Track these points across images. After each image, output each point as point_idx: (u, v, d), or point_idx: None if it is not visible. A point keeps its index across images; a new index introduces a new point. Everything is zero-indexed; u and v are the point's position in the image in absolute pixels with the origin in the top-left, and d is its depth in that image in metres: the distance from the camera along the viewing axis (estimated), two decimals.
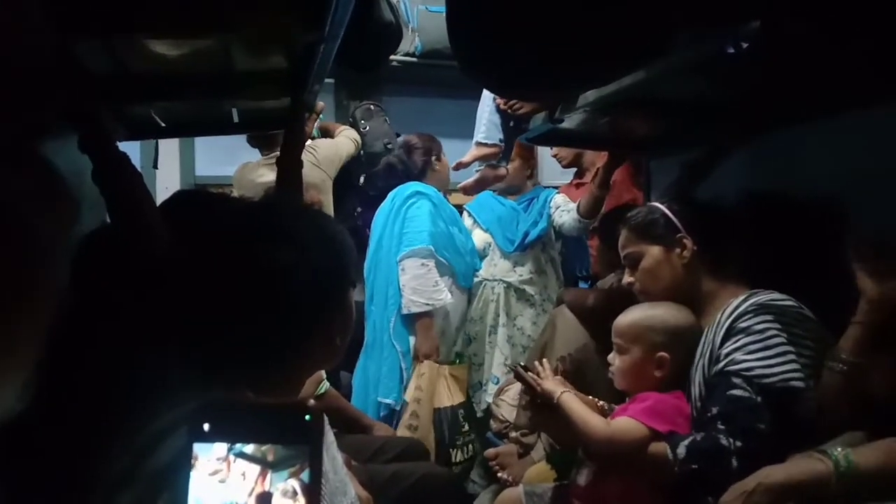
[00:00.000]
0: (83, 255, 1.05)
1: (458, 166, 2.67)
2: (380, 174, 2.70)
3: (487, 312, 2.56)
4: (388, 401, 2.36)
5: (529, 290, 2.55)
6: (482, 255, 2.63)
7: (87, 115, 1.06)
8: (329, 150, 2.75)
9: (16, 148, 0.25)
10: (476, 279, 2.60)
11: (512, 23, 0.88)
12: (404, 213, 2.46)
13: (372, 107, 3.02)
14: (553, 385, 1.33)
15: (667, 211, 1.43)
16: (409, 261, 2.39)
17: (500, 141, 2.57)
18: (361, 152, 2.89)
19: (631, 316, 1.37)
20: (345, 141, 2.84)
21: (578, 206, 2.36)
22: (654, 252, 1.41)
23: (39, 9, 0.27)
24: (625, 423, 1.26)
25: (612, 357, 1.39)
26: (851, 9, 0.80)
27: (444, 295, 2.40)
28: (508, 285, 2.55)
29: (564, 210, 2.46)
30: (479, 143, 2.62)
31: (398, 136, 2.99)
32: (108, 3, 0.99)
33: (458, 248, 2.52)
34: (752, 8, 0.81)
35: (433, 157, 2.63)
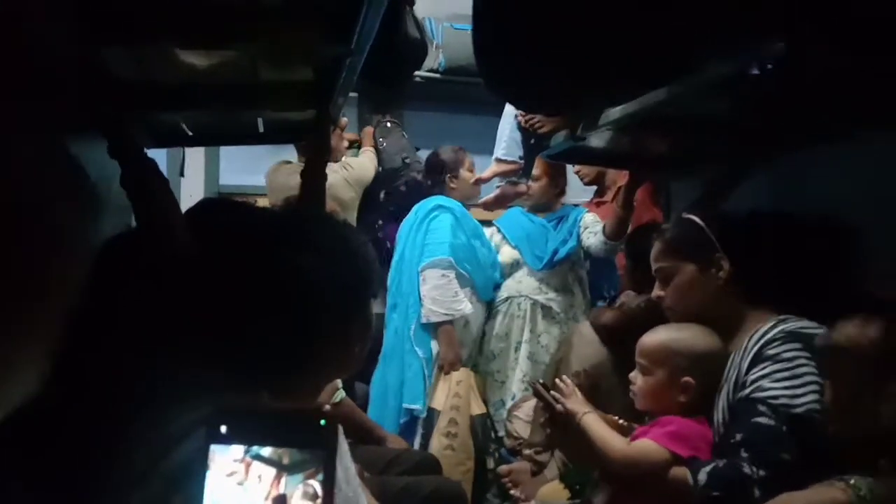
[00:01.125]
0: (108, 258, 1.07)
1: (478, 182, 2.69)
2: (403, 192, 2.77)
3: (513, 329, 2.57)
4: (414, 406, 2.40)
5: (556, 308, 2.55)
6: (509, 272, 2.64)
7: (117, 122, 1.08)
8: (361, 171, 2.82)
9: (39, 147, 0.26)
10: (502, 295, 2.61)
11: (538, 40, 0.89)
12: (427, 226, 2.52)
13: (389, 123, 3.06)
14: (575, 405, 1.31)
15: (704, 226, 1.37)
16: (429, 271, 2.45)
17: (520, 158, 2.58)
18: (380, 168, 2.95)
19: (657, 337, 1.34)
20: (369, 164, 2.90)
21: (604, 229, 2.36)
22: (688, 270, 1.36)
23: (66, 16, 0.28)
24: (646, 446, 1.23)
25: (635, 376, 1.36)
26: (874, 29, 0.79)
27: (463, 305, 2.45)
28: (535, 302, 2.55)
29: (592, 232, 2.46)
30: (498, 160, 2.64)
31: (417, 149, 3.03)
32: (139, 14, 1.02)
33: (479, 261, 2.55)
34: (776, 27, 0.81)
35: (457, 171, 2.66)
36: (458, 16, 3.28)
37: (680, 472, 1.19)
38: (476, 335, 2.60)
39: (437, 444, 2.31)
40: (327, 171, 2.62)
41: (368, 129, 3.05)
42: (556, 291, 2.57)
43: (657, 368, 1.31)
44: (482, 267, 2.57)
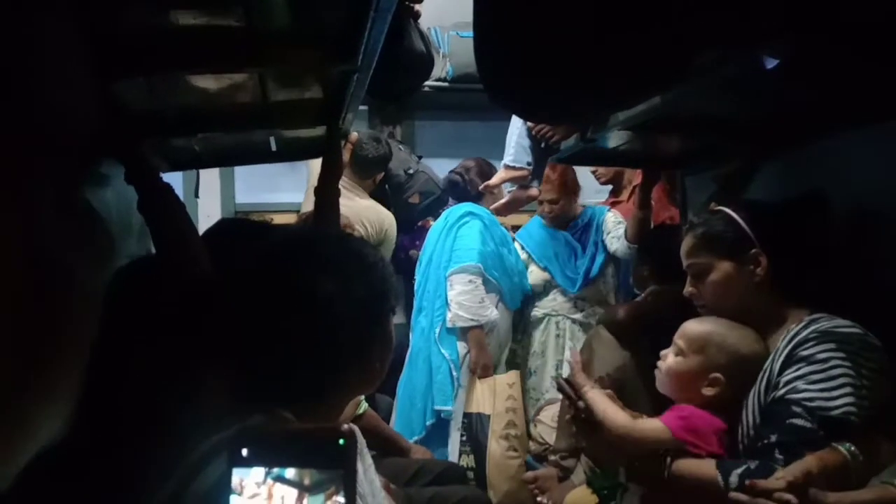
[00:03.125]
0: (128, 285, 1.09)
1: (486, 188, 2.69)
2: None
3: (549, 346, 2.57)
4: (445, 408, 2.43)
5: (594, 321, 2.50)
6: (541, 292, 2.63)
7: (133, 150, 1.10)
8: (379, 217, 2.79)
9: (62, 195, 0.27)
10: (537, 313, 2.62)
11: (539, 50, 0.89)
12: (456, 232, 2.55)
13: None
14: (583, 379, 1.32)
15: (740, 221, 1.32)
16: (457, 276, 2.48)
17: (528, 164, 2.57)
18: (387, 186, 2.96)
19: (704, 326, 1.30)
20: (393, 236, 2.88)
21: (626, 232, 2.34)
22: (724, 267, 1.31)
23: (85, 59, 0.28)
24: (649, 424, 1.24)
25: (665, 353, 1.33)
26: (875, 27, 0.79)
27: (489, 311, 2.47)
28: (574, 320, 2.57)
29: (615, 236, 2.45)
30: (507, 166, 2.64)
31: (420, 158, 3.04)
32: (152, 44, 1.04)
33: (506, 269, 2.57)
34: (779, 25, 0.80)
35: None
36: (464, 24, 3.30)
37: (710, 473, 1.17)
38: (503, 341, 2.61)
39: (496, 448, 2.32)
40: (357, 226, 2.60)
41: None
42: (592, 306, 2.56)
43: (693, 355, 1.28)
44: (509, 275, 2.57)
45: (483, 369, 2.43)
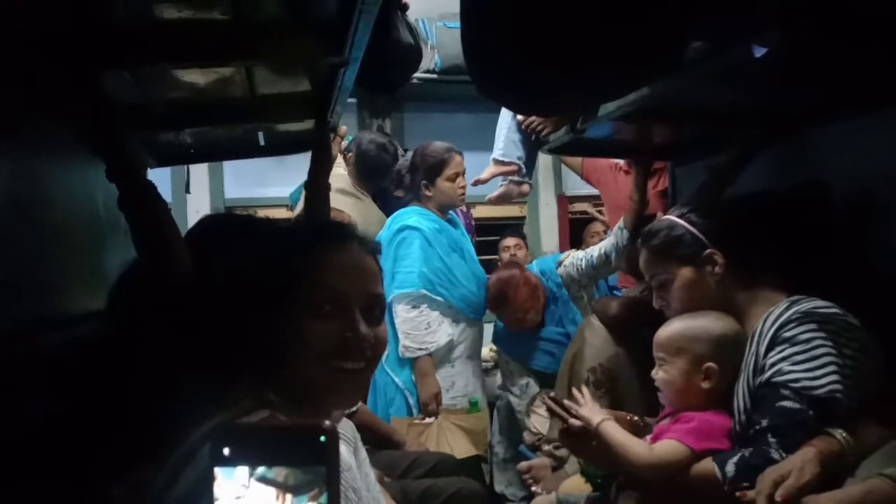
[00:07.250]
0: (119, 287, 1.08)
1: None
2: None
3: None
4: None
5: None
6: None
7: (114, 146, 1.08)
8: (382, 221, 2.72)
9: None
10: None
11: (527, 43, 0.89)
12: (395, 251, 2.31)
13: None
14: (591, 413, 1.29)
15: (689, 226, 1.34)
16: (400, 305, 2.27)
17: (518, 158, 2.53)
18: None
19: (671, 328, 1.31)
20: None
21: (625, 223, 2.18)
22: (684, 274, 1.33)
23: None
24: (667, 448, 1.22)
25: (655, 372, 1.33)
26: (867, 17, 0.79)
27: (437, 336, 2.28)
28: None
29: (611, 240, 2.23)
30: (496, 161, 2.59)
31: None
32: (140, 37, 1.03)
33: (458, 281, 2.34)
34: (770, 16, 0.80)
35: (433, 180, 2.39)
36: (451, 14, 3.29)
37: (707, 467, 1.18)
38: (469, 354, 2.40)
39: None
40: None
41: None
42: None
43: (677, 359, 1.28)
44: (463, 285, 2.35)
45: (424, 405, 2.22)
